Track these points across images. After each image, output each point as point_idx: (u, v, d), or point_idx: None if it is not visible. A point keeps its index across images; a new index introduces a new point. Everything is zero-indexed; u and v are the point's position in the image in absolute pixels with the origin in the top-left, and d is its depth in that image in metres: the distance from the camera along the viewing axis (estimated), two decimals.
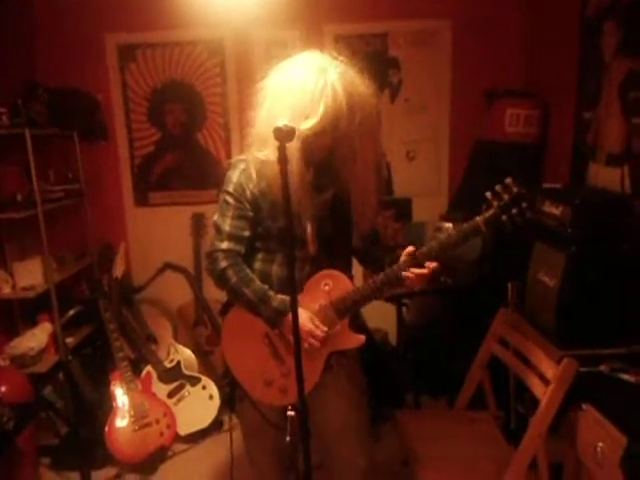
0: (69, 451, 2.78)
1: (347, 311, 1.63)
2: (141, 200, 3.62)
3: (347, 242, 1.77)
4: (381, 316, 3.17)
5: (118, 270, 3.30)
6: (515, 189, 1.49)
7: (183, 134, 3.55)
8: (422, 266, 1.55)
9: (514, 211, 1.48)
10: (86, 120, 3.41)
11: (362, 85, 1.54)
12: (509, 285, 2.33)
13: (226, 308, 1.73)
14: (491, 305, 2.26)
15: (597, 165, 2.49)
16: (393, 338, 3.21)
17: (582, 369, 1.69)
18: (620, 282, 1.88)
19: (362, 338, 1.67)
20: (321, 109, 1.45)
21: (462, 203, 3.14)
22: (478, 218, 1.52)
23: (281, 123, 1.26)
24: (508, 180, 1.50)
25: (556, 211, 2.04)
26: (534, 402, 1.78)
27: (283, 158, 1.26)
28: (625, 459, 1.43)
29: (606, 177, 2.40)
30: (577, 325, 1.88)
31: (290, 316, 1.48)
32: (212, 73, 3.46)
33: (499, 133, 3.02)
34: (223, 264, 1.61)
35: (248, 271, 1.64)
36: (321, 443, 1.74)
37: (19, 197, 2.87)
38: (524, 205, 1.47)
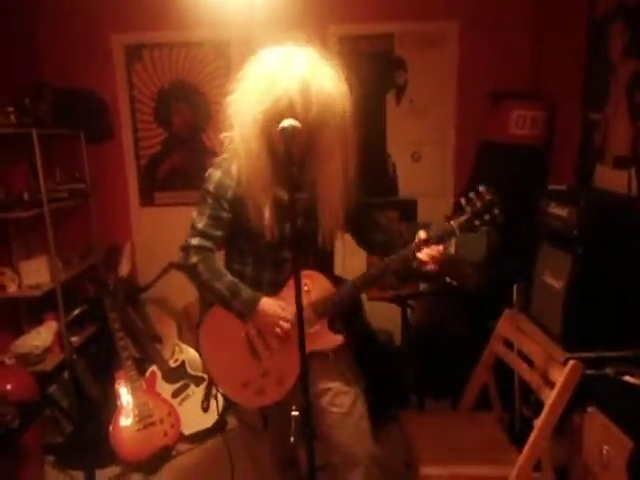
0: (73, 449, 2.79)
1: (326, 312, 1.66)
2: (147, 200, 3.63)
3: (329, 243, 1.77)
4: (386, 317, 3.17)
5: (123, 269, 3.31)
6: (488, 197, 1.54)
7: (189, 134, 3.56)
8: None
9: (486, 217, 1.54)
10: (92, 120, 3.42)
11: (328, 80, 1.50)
12: (514, 286, 2.32)
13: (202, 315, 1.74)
14: (496, 306, 2.25)
15: (604, 167, 2.48)
16: (398, 339, 3.21)
17: (588, 371, 1.68)
18: (626, 284, 1.87)
19: (340, 338, 1.70)
20: (273, 95, 1.44)
21: None
22: (452, 222, 1.57)
23: (286, 123, 1.26)
24: (481, 188, 1.56)
25: (562, 212, 2.03)
26: (539, 404, 1.78)
27: (289, 158, 1.26)
28: (631, 462, 1.42)
29: (613, 179, 2.39)
30: (583, 327, 1.87)
31: (259, 307, 1.62)
32: (218, 74, 3.47)
33: (505, 135, 3.01)
34: (194, 259, 1.65)
35: (219, 265, 1.68)
36: (321, 435, 1.75)
37: (26, 196, 2.89)
38: (496, 212, 1.53)
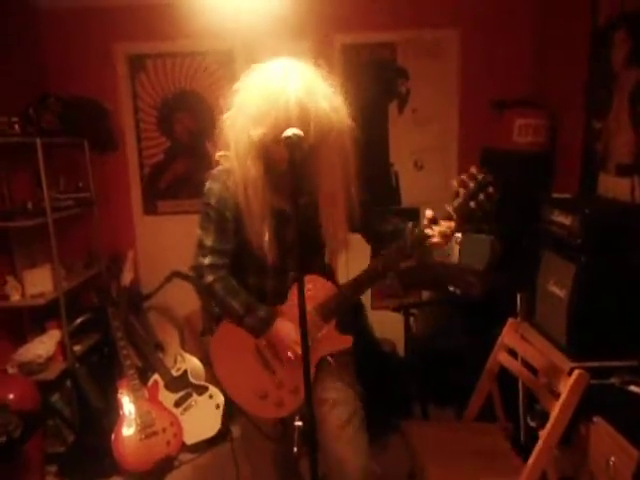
0: (75, 459, 2.77)
1: (332, 313, 1.64)
2: (150, 209, 3.63)
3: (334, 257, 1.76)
4: (389, 326, 3.16)
5: (126, 278, 3.30)
6: (480, 176, 1.49)
7: (192, 143, 3.57)
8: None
9: (481, 197, 1.48)
10: (96, 130, 3.43)
11: (325, 99, 1.47)
12: (518, 295, 2.31)
13: (205, 330, 1.73)
14: (500, 315, 2.24)
15: (607, 175, 2.48)
16: (401, 348, 3.20)
17: (593, 381, 1.67)
18: (631, 293, 1.86)
19: (350, 338, 1.69)
20: (271, 118, 1.42)
21: None
22: (448, 207, 1.52)
23: (290, 132, 1.26)
24: (472, 168, 1.51)
25: (565, 221, 2.03)
26: (544, 414, 1.76)
27: (294, 167, 1.25)
28: (638, 473, 1.40)
29: (616, 187, 2.39)
30: (588, 336, 1.85)
31: (273, 329, 1.61)
32: (222, 83, 3.48)
33: (508, 143, 3.01)
34: (209, 278, 1.63)
35: (234, 283, 1.65)
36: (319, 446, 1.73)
37: (29, 205, 2.89)
38: (490, 190, 1.48)
